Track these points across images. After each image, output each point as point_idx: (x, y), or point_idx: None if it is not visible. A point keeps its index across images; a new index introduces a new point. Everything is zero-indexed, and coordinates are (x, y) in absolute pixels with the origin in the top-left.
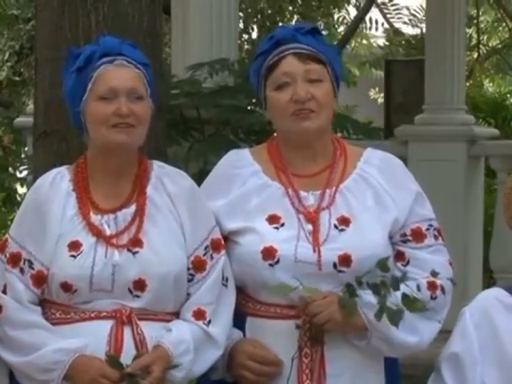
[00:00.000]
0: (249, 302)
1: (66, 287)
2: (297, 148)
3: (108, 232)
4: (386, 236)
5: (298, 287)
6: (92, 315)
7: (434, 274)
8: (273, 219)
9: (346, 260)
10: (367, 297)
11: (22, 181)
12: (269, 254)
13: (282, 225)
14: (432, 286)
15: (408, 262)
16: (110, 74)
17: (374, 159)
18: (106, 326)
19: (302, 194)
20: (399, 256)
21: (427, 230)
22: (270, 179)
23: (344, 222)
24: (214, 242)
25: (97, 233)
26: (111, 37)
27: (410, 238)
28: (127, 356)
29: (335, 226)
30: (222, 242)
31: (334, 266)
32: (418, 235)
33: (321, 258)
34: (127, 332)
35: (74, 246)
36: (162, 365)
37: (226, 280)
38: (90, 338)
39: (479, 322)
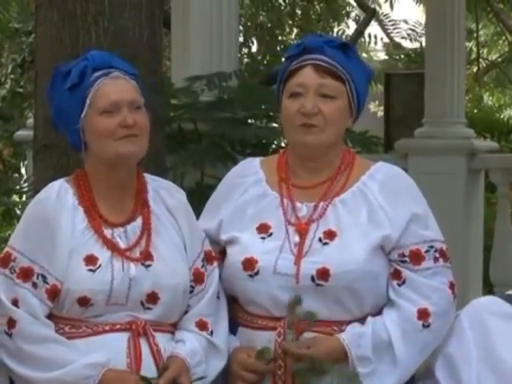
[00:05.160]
0: (240, 312)
1: (83, 302)
2: (301, 160)
3: (122, 246)
4: (373, 252)
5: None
6: (106, 328)
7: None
8: (262, 228)
9: (324, 274)
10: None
11: (21, 193)
12: (249, 264)
13: (270, 235)
14: (423, 314)
15: (403, 282)
16: (109, 88)
17: (380, 174)
18: (123, 338)
19: (297, 205)
20: (396, 274)
21: (427, 252)
22: (270, 188)
23: (329, 235)
24: (206, 254)
25: (112, 246)
26: (99, 51)
27: (407, 259)
28: (146, 367)
29: (319, 239)
30: (213, 254)
31: (312, 279)
32: (417, 257)
33: (299, 271)
34: (143, 343)
35: (90, 260)
36: (188, 376)
37: (218, 292)
38: (108, 351)
39: (475, 325)
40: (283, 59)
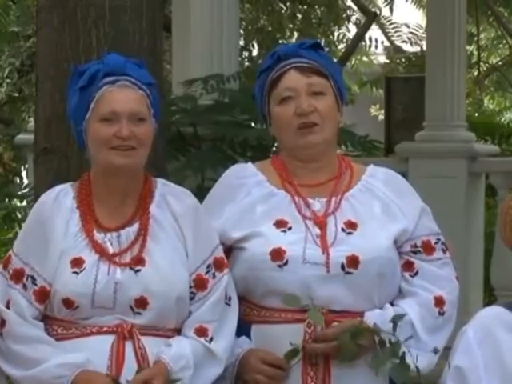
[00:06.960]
0: (254, 310)
1: (67, 303)
2: (302, 162)
3: (111, 250)
4: (391, 243)
5: (308, 306)
6: (93, 330)
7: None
8: (280, 224)
9: (353, 261)
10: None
11: (22, 198)
12: (277, 255)
13: (290, 228)
14: (439, 302)
15: (416, 273)
16: (112, 96)
17: (379, 174)
18: (108, 340)
19: (309, 200)
20: (407, 266)
21: (436, 243)
22: (276, 188)
23: (351, 225)
24: (216, 261)
25: (100, 250)
26: (116, 55)
27: (420, 249)
28: (129, 371)
29: (342, 229)
30: (225, 261)
31: (342, 267)
32: (429, 248)
33: (329, 260)
34: (128, 347)
35: (77, 262)
36: (162, 380)
37: (229, 299)
38: (91, 352)
39: (482, 340)
40: (257, 75)
